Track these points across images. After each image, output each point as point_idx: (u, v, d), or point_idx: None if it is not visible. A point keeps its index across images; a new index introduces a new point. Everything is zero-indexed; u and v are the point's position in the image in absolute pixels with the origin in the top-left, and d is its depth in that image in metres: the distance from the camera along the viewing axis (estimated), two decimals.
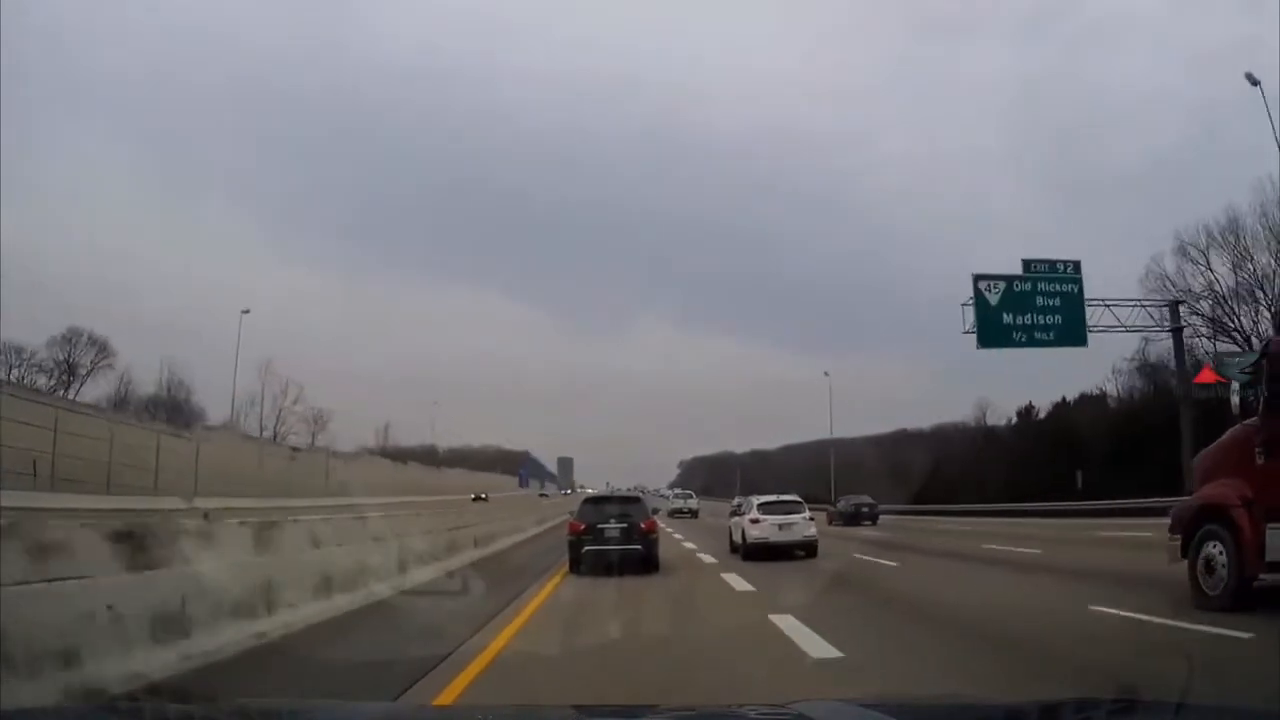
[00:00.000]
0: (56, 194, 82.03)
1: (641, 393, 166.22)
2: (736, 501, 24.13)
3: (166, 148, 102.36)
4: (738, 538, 18.97)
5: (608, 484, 57.37)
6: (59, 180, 78.68)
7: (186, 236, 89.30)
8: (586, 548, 14.87)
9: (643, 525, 15.24)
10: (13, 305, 57.54)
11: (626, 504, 16.41)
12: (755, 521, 17.76)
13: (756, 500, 19.12)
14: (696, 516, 49.20)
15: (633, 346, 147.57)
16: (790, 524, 17.61)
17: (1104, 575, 12.64)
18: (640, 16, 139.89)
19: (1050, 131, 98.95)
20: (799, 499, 19.34)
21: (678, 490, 70.58)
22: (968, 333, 30.23)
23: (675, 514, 49.59)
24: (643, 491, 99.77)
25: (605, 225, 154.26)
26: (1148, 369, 42.87)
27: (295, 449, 54.05)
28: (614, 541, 14.90)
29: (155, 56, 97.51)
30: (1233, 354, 29.89)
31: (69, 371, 51.34)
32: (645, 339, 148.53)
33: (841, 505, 39.55)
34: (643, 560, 14.87)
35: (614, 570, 14.17)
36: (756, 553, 17.25)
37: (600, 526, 15.12)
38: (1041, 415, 53.26)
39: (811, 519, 18.20)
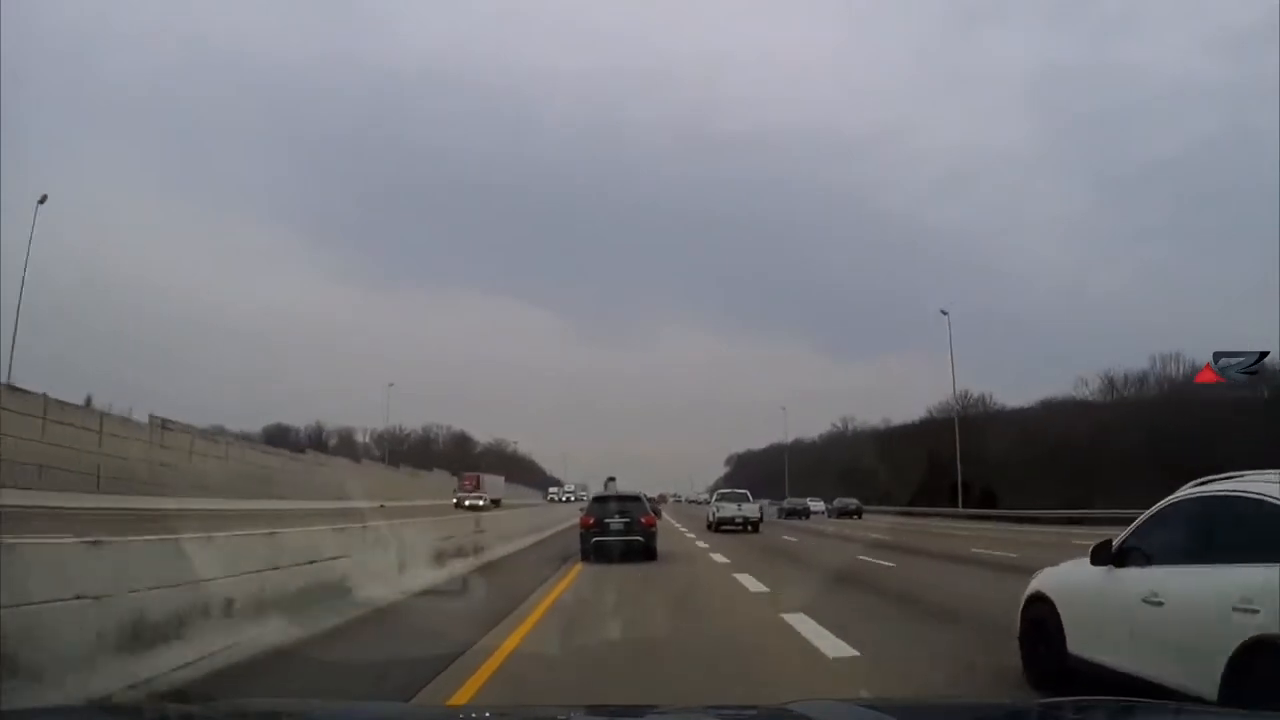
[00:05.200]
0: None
1: (676, 392, 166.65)
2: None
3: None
4: (1148, 666, 4.65)
5: (613, 480, 54.89)
6: None
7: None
8: (595, 538, 17.60)
9: (643, 520, 18.17)
10: None
11: (628, 502, 19.26)
12: None
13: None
14: (758, 530, 32.26)
15: (665, 349, 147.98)
16: None
17: None
18: (665, 14, 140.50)
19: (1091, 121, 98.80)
20: None
21: (724, 490, 41.42)
22: None
23: (723, 526, 32.26)
24: (675, 498, 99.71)
25: (641, 229, 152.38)
26: None
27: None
28: (618, 533, 17.70)
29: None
30: (1233, 354, 29.64)
31: None
32: (676, 342, 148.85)
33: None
34: (643, 550, 17.55)
35: (616, 558, 16.62)
36: None
37: (606, 521, 17.98)
38: None
39: None
